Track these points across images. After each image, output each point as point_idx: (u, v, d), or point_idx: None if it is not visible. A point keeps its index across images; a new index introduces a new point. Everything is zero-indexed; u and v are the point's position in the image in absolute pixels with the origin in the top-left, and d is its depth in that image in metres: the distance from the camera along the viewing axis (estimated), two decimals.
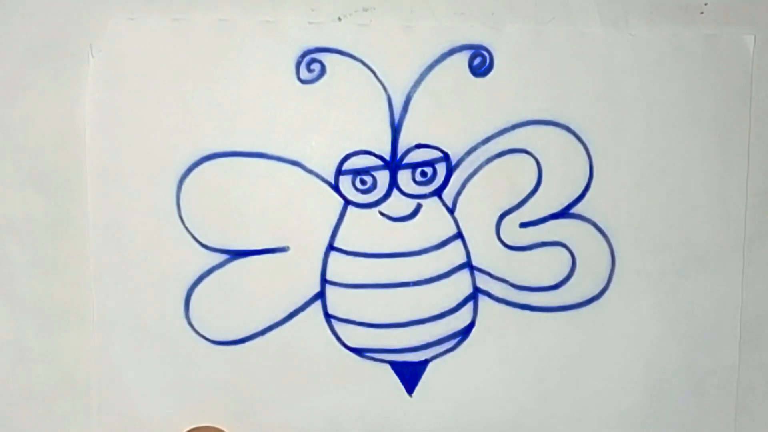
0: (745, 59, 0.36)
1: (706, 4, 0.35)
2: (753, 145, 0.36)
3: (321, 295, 0.35)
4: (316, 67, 0.34)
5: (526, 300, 0.36)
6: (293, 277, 0.35)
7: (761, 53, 0.36)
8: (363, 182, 0.35)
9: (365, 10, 0.34)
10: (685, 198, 0.36)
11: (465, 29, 0.34)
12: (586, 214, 0.36)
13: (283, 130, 0.34)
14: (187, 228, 0.34)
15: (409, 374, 0.36)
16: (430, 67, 0.34)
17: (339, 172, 0.35)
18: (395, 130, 0.34)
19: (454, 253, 0.35)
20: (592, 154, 0.35)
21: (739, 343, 0.37)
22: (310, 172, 0.34)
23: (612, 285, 0.36)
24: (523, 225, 0.36)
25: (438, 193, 0.35)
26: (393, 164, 0.35)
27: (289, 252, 0.35)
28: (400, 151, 0.35)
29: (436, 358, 0.36)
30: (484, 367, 0.36)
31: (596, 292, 0.36)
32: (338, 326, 0.35)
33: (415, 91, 0.34)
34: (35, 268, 0.34)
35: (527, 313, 0.36)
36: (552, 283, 0.36)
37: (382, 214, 0.35)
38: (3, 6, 0.32)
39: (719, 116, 0.36)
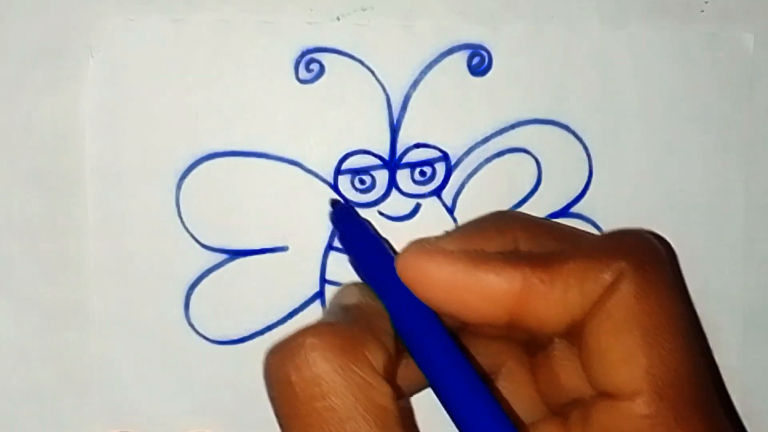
0: (745, 58, 0.36)
1: (706, 2, 0.35)
2: (753, 145, 0.36)
3: (320, 295, 0.35)
4: (314, 67, 0.34)
5: None
6: (293, 277, 0.35)
7: (761, 52, 0.36)
8: (362, 182, 0.35)
9: (364, 9, 0.34)
10: (684, 197, 0.36)
11: (464, 29, 0.34)
12: (586, 213, 0.36)
13: (282, 130, 0.34)
14: (186, 228, 0.34)
15: None
16: (429, 66, 0.34)
17: (338, 171, 0.35)
18: (394, 130, 0.35)
19: None
20: (591, 153, 0.35)
21: (741, 345, 0.37)
22: (309, 171, 0.34)
23: None
24: None
25: (437, 192, 0.35)
26: (392, 164, 0.35)
27: (288, 252, 0.35)
28: (399, 150, 0.35)
29: None
30: None
31: None
32: None
33: (413, 91, 0.34)
34: (35, 268, 0.34)
35: None
36: None
37: (381, 213, 0.35)
38: (2, 6, 0.32)
39: (719, 115, 0.36)
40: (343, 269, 0.35)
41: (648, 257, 0.26)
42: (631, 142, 0.36)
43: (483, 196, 0.35)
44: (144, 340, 0.34)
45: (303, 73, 0.34)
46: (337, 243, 0.35)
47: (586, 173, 0.36)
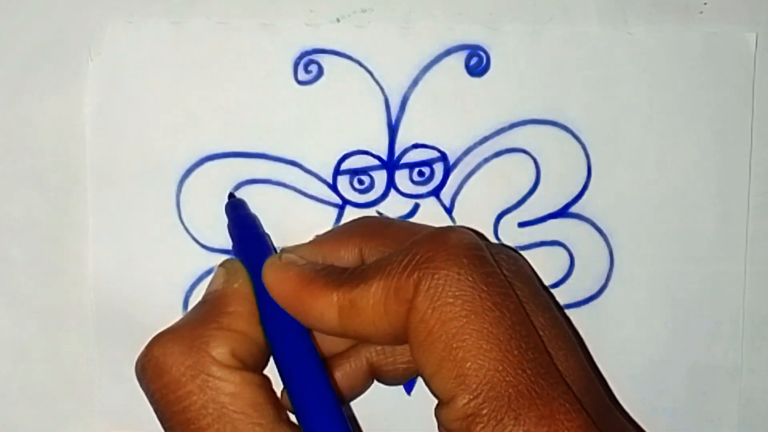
0: (746, 58, 0.36)
1: (705, 4, 0.35)
2: (755, 144, 0.36)
3: None
4: (313, 68, 0.34)
5: None
6: None
7: (763, 51, 0.36)
8: (361, 182, 0.35)
9: (363, 11, 0.34)
10: (685, 198, 0.36)
11: (462, 29, 0.34)
12: (585, 214, 0.36)
13: (281, 131, 0.34)
14: (187, 229, 0.34)
15: None
16: (427, 67, 0.34)
17: (337, 171, 0.35)
18: (392, 131, 0.35)
19: None
20: (590, 153, 0.35)
21: (741, 344, 0.37)
22: (309, 172, 0.35)
23: (610, 284, 0.36)
24: (522, 224, 0.36)
25: (436, 193, 0.35)
26: (390, 164, 0.35)
27: None
28: (398, 151, 0.35)
29: None
30: None
31: (594, 291, 0.36)
32: None
33: (412, 92, 0.34)
34: (36, 269, 0.34)
35: None
36: (550, 282, 0.36)
37: (380, 213, 0.35)
38: (2, 8, 0.33)
39: (720, 115, 0.36)
40: None
41: (441, 262, 0.26)
42: (630, 143, 0.35)
43: (481, 196, 0.35)
44: (143, 340, 0.34)
45: (302, 75, 0.34)
46: None
47: (585, 173, 0.35)
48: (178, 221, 0.34)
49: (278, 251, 0.32)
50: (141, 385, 0.28)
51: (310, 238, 0.35)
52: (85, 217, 0.34)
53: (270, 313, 0.29)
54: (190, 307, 0.35)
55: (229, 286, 0.30)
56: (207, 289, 0.31)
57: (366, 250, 0.31)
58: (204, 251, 0.35)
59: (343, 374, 0.32)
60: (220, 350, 0.27)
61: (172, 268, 0.35)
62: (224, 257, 0.35)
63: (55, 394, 0.35)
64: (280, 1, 0.34)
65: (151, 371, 0.27)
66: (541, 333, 0.27)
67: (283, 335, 0.29)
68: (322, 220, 0.35)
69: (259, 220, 0.34)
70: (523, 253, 0.35)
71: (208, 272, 0.35)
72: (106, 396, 0.35)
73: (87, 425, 0.35)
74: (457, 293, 0.26)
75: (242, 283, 0.30)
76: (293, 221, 0.35)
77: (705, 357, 0.37)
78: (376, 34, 0.34)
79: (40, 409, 0.35)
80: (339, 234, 0.32)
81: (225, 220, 0.34)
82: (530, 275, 0.29)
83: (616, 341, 0.36)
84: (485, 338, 0.25)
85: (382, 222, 0.33)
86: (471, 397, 0.25)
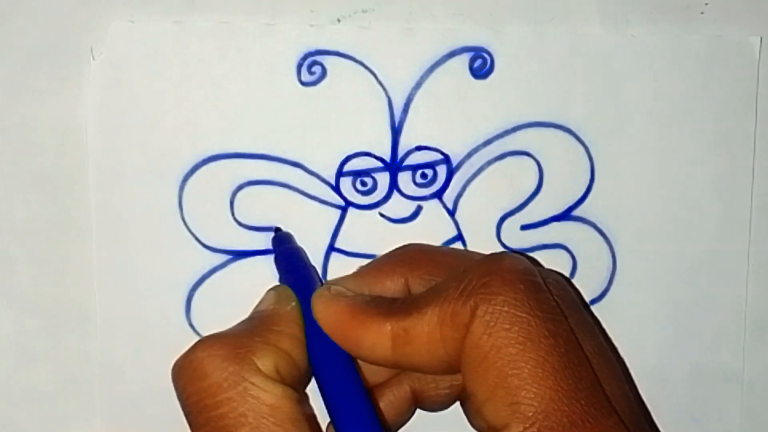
0: (750, 61, 0.36)
1: (706, 4, 0.35)
2: (759, 148, 0.36)
3: None
4: (317, 69, 0.34)
5: None
6: None
7: (767, 55, 0.36)
8: (363, 183, 0.35)
9: (364, 11, 0.34)
10: (687, 200, 0.36)
11: (465, 31, 0.34)
12: (588, 217, 0.36)
13: (284, 132, 0.34)
14: (189, 229, 0.34)
15: None
16: (431, 69, 0.34)
17: (340, 173, 0.35)
18: (395, 132, 0.35)
19: None
20: (593, 155, 0.35)
21: (743, 346, 0.37)
22: (311, 173, 0.35)
23: (613, 287, 0.36)
24: (524, 227, 0.36)
25: (439, 195, 0.35)
26: (393, 166, 0.35)
27: None
28: (401, 152, 0.35)
29: None
30: None
31: (597, 294, 0.36)
32: None
33: (415, 93, 0.34)
34: (38, 269, 0.34)
35: None
36: None
37: (382, 215, 0.35)
38: (4, 8, 0.32)
39: (723, 119, 0.36)
40: (344, 270, 0.35)
41: (497, 288, 0.26)
42: (634, 145, 0.35)
43: (484, 198, 0.35)
44: (145, 340, 0.35)
45: (305, 76, 0.34)
46: (338, 244, 0.35)
47: (588, 176, 0.35)
48: (181, 221, 0.34)
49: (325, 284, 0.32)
50: (176, 387, 0.27)
51: (312, 239, 0.35)
52: (87, 217, 0.34)
53: (318, 343, 0.29)
54: (193, 306, 0.35)
55: (281, 307, 0.30)
56: (255, 308, 0.31)
57: (411, 279, 0.31)
58: (206, 251, 0.35)
59: (387, 403, 0.32)
60: (264, 361, 0.27)
61: (174, 267, 0.35)
62: (225, 257, 0.35)
63: (57, 394, 0.35)
64: (280, 0, 0.34)
65: (191, 372, 0.27)
66: (589, 360, 0.27)
67: (331, 365, 0.28)
68: (325, 222, 0.35)
69: (305, 253, 0.34)
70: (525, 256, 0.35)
71: (211, 272, 0.35)
72: (107, 396, 0.35)
73: (87, 425, 0.35)
74: (513, 319, 0.25)
75: (294, 308, 0.30)
76: (295, 222, 0.35)
77: (707, 359, 0.37)
78: (380, 36, 0.34)
79: (40, 409, 0.35)
80: (383, 264, 0.32)
81: (227, 220, 0.34)
82: (576, 300, 0.29)
83: (619, 343, 0.36)
84: (540, 366, 0.25)
85: (425, 250, 0.33)
86: (526, 425, 0.24)
